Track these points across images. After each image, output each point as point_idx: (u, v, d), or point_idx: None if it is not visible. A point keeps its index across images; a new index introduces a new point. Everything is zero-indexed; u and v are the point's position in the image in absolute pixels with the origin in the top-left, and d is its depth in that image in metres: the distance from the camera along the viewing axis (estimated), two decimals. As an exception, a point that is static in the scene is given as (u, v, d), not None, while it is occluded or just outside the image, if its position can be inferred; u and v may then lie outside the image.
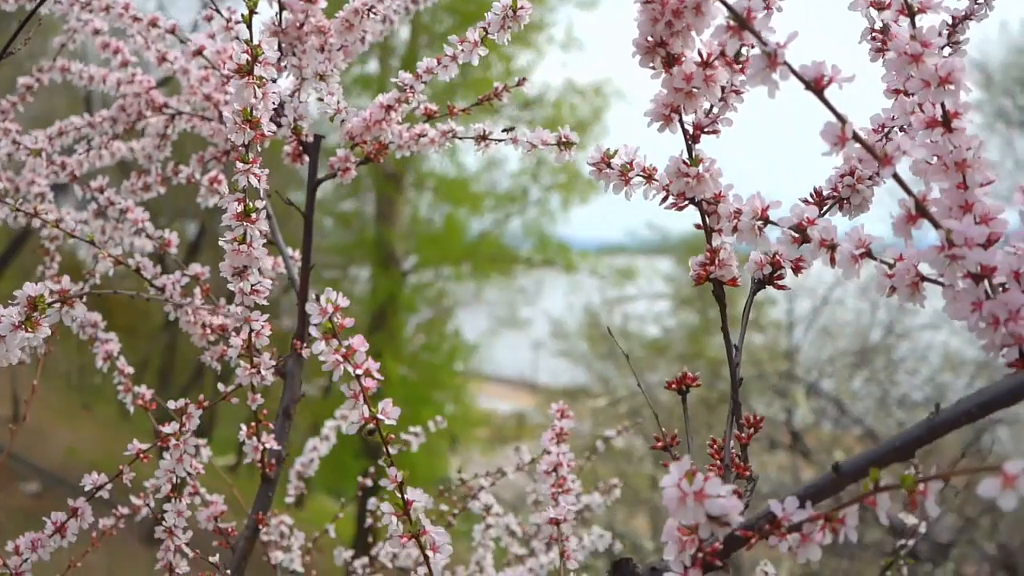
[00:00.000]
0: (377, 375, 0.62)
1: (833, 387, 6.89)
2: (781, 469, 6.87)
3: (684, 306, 10.43)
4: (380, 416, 0.63)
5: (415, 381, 10.41)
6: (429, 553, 0.64)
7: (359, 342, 0.62)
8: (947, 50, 0.71)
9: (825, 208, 0.68)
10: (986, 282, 0.52)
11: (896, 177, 0.51)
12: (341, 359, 0.61)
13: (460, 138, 0.97)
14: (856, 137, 0.50)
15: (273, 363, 0.90)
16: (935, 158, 0.54)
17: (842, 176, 0.68)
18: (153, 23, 1.09)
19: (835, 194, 0.68)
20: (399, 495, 0.64)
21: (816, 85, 0.50)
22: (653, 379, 8.39)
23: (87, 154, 1.17)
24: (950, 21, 0.72)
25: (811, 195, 0.68)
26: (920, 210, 0.51)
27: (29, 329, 0.66)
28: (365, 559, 1.35)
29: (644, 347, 9.75)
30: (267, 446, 0.96)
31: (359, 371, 0.61)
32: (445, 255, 11.16)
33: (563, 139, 0.84)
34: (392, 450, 1.27)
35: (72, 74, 1.26)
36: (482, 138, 0.95)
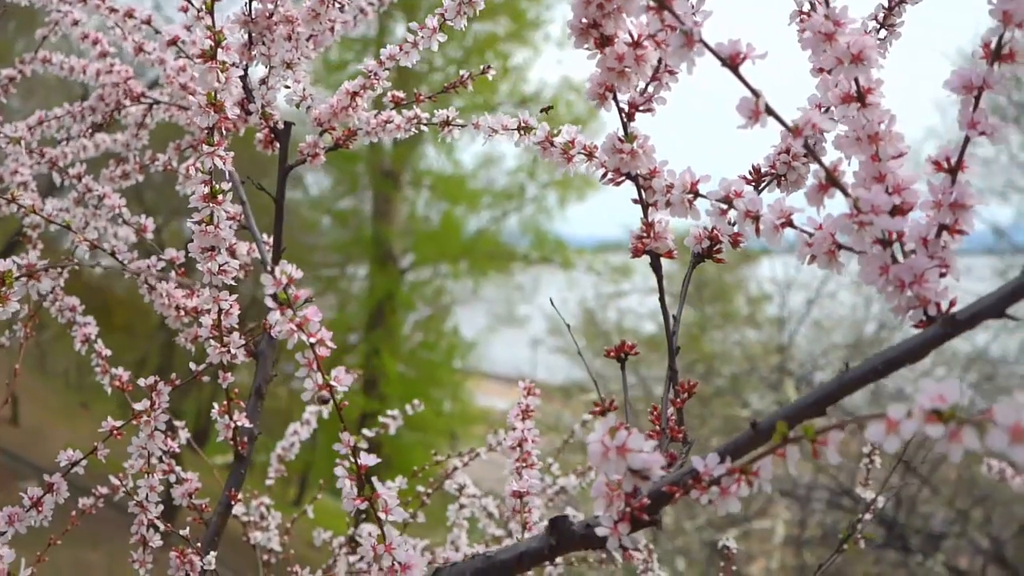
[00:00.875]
0: (330, 344, 0.65)
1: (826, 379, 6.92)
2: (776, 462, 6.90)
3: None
4: (333, 383, 0.65)
5: (413, 379, 10.44)
6: (381, 515, 0.67)
7: (313, 312, 0.65)
8: (883, 32, 0.74)
9: (763, 184, 0.71)
10: (898, 247, 0.55)
11: (807, 148, 0.54)
12: (295, 328, 0.64)
13: (425, 124, 1.00)
14: (769, 111, 0.53)
15: (242, 342, 0.93)
16: (853, 132, 0.57)
17: (779, 153, 0.70)
18: (129, 14, 1.11)
19: (772, 171, 0.71)
20: (352, 460, 0.67)
21: (732, 62, 0.53)
22: (648, 374, 8.45)
23: (67, 143, 1.20)
24: (887, 4, 0.75)
25: (749, 172, 0.71)
26: (831, 180, 0.54)
27: (-2, 303, 0.69)
28: (342, 538, 1.38)
29: (641, 343, 9.76)
30: (239, 424, 0.99)
31: (313, 340, 0.64)
32: (443, 253, 11.20)
33: (522, 124, 0.87)
34: (370, 432, 1.28)
35: (53, 65, 1.29)
36: (445, 124, 0.98)
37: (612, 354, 0.72)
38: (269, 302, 0.64)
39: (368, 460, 0.67)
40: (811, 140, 0.61)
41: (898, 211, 0.55)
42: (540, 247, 11.31)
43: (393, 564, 0.66)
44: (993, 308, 0.49)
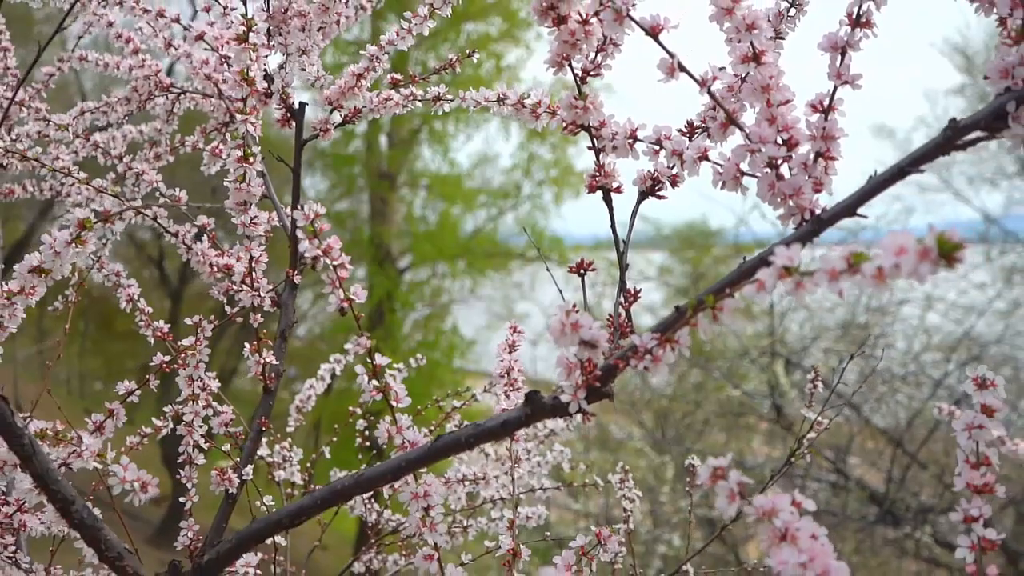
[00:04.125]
0: (348, 266, 0.82)
1: (821, 363, 7.11)
2: (769, 443, 7.12)
3: (678, 296, 10.62)
4: (352, 296, 0.82)
5: (414, 377, 10.58)
6: (392, 403, 0.84)
7: (335, 241, 0.81)
8: (792, 10, 0.90)
9: (696, 135, 0.87)
10: (786, 170, 0.72)
11: (711, 95, 0.70)
12: (322, 253, 0.81)
13: (420, 100, 1.17)
14: (681, 67, 0.69)
15: (271, 287, 1.10)
16: (751, 84, 0.73)
17: (707, 110, 0.87)
18: (160, 14, 1.28)
19: (703, 124, 0.87)
20: (369, 363, 0.84)
21: (653, 31, 0.69)
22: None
23: (106, 130, 1.37)
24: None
25: (685, 126, 0.88)
26: (729, 119, 0.71)
27: (79, 245, 0.86)
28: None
29: (638, 333, 9.90)
30: (268, 361, 1.15)
31: (336, 263, 0.81)
32: (440, 252, 11.37)
33: (500, 96, 1.03)
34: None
35: (89, 62, 1.45)
36: (437, 99, 1.14)
37: (573, 270, 0.89)
38: (300, 234, 0.80)
39: (382, 360, 0.84)
40: (735, 102, 0.78)
41: (787, 144, 0.72)
42: (537, 245, 11.45)
43: (404, 443, 0.82)
44: (848, 209, 0.66)
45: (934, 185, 8.95)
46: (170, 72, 2.28)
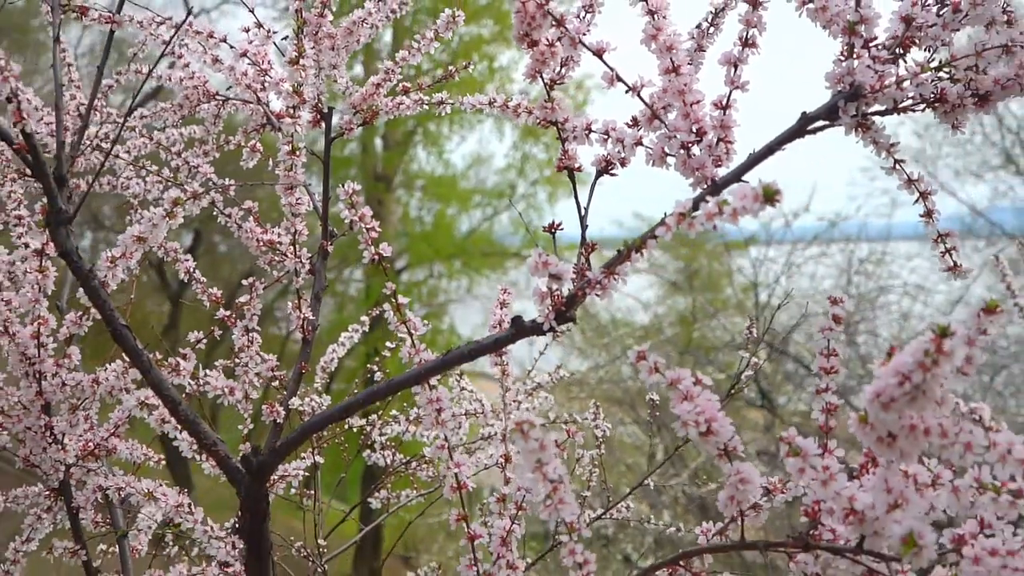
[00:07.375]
0: (377, 229, 1.09)
1: (804, 349, 7.41)
2: (756, 426, 7.43)
3: (672, 290, 10.91)
4: (381, 251, 1.10)
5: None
6: (413, 331, 1.11)
7: (367, 210, 1.09)
8: (711, 29, 1.18)
9: (637, 127, 1.15)
10: (697, 151, 0.99)
11: (640, 97, 0.98)
12: (358, 220, 1.08)
13: (427, 104, 1.44)
14: (618, 78, 0.97)
15: (310, 255, 1.37)
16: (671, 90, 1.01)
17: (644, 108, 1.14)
18: (210, 35, 1.55)
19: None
20: (394, 300, 1.11)
21: (598, 52, 0.97)
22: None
23: (164, 131, 1.64)
24: (714, 9, 1.18)
25: (631, 119, 1.15)
26: (654, 114, 0.98)
27: (170, 217, 1.13)
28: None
29: (633, 332, 10.17)
30: (306, 316, 1.43)
31: (368, 226, 1.08)
32: (436, 252, 11.63)
33: (492, 100, 1.31)
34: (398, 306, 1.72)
35: (142, 74, 1.73)
36: (441, 103, 1.42)
37: (547, 229, 1.16)
38: (341, 204, 1.08)
39: (403, 300, 1.11)
40: (662, 103, 1.06)
41: (697, 132, 0.99)
42: (532, 244, 11.70)
43: (420, 360, 1.10)
44: (734, 177, 0.94)
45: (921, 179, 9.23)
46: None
